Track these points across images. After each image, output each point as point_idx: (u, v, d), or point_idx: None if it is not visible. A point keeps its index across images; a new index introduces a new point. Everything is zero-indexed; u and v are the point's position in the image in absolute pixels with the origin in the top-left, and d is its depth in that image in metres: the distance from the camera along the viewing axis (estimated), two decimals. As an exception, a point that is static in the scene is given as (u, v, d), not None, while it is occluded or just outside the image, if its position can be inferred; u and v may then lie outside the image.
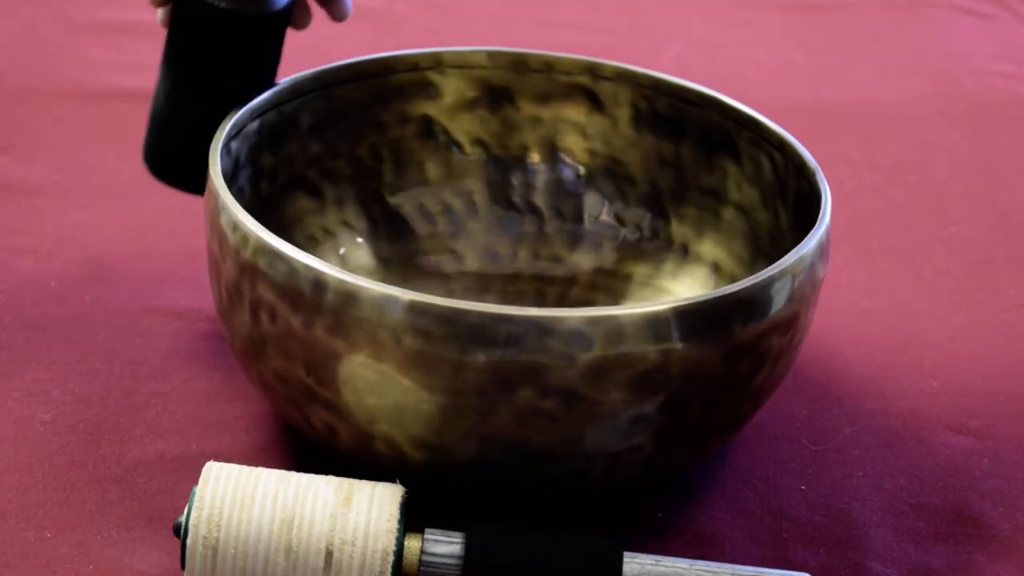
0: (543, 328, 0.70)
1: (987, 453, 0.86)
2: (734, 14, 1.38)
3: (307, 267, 0.72)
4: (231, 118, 0.83)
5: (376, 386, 0.72)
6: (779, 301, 0.74)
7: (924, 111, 1.23)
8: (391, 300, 0.71)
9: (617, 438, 0.73)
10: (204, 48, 0.84)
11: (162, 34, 1.26)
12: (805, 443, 0.86)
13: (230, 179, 0.84)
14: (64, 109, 1.14)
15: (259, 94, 0.86)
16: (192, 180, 0.88)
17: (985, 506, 0.82)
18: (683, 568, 0.73)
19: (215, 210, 0.77)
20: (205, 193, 0.80)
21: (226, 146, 0.82)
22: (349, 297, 0.71)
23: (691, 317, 0.72)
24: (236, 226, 0.75)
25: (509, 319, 0.70)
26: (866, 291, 1.00)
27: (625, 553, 0.73)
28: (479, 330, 0.70)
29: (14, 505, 0.78)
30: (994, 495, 0.83)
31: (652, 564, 0.72)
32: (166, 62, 0.86)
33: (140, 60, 1.21)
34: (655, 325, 0.71)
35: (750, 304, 0.73)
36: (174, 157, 0.87)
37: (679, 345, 0.72)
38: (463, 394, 0.72)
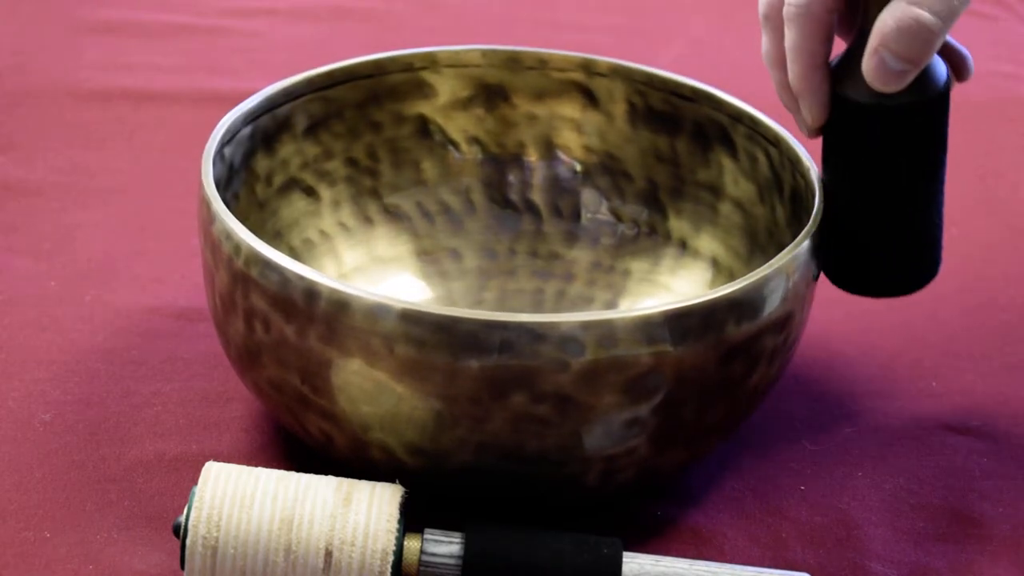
0: (536, 334, 0.70)
1: (987, 453, 0.86)
2: (734, 14, 1.37)
3: (299, 276, 0.72)
4: (223, 124, 0.83)
5: (370, 394, 0.72)
6: (773, 301, 0.74)
7: (924, 111, 1.22)
8: (384, 308, 0.71)
9: (612, 442, 0.73)
10: (884, 147, 0.78)
11: (161, 34, 1.26)
12: (805, 443, 0.86)
13: (225, 185, 0.84)
14: (64, 109, 1.14)
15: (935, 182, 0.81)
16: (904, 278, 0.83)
17: (985, 506, 0.82)
18: (683, 568, 0.72)
19: (208, 219, 0.77)
20: (197, 202, 0.79)
21: (219, 153, 0.82)
22: (341, 306, 0.71)
23: (684, 319, 0.72)
24: (228, 235, 0.75)
25: (502, 325, 0.70)
26: (866, 291, 1.00)
27: (625, 553, 0.73)
28: (472, 337, 0.70)
29: (14, 505, 0.78)
30: (994, 495, 0.83)
31: (652, 564, 0.72)
32: (847, 173, 0.80)
33: (140, 60, 1.21)
34: (648, 328, 0.71)
35: (743, 305, 0.73)
36: (887, 265, 0.82)
37: (672, 348, 0.72)
38: (457, 401, 0.72)
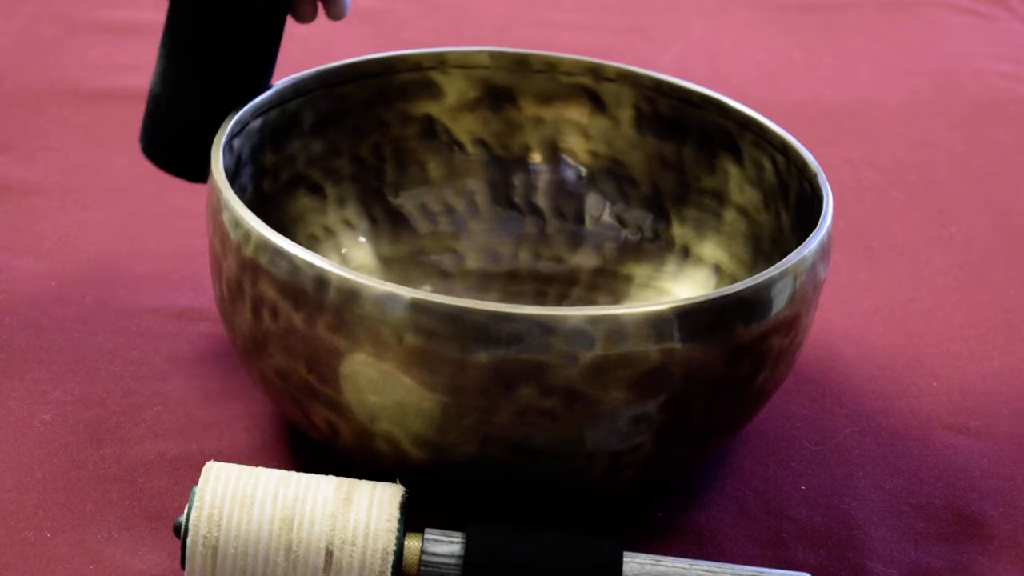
0: (545, 327, 0.70)
1: (987, 453, 0.86)
2: (734, 14, 1.38)
3: (309, 264, 0.72)
4: (233, 116, 0.83)
5: (378, 384, 0.72)
6: (780, 302, 0.74)
7: (924, 111, 1.23)
8: (393, 298, 0.71)
9: (618, 438, 0.73)
10: (203, 28, 0.83)
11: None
12: (805, 443, 0.86)
13: (232, 177, 0.84)
14: (64, 109, 1.14)
15: (257, 78, 0.85)
16: (189, 166, 0.87)
17: (985, 506, 0.82)
18: (683, 568, 0.73)
19: (217, 207, 0.77)
20: (208, 189, 0.80)
21: (228, 144, 0.82)
22: (351, 295, 0.71)
23: (693, 317, 0.72)
24: (238, 223, 0.75)
25: (511, 318, 0.70)
26: (866, 291, 1.00)
27: (625, 553, 0.73)
28: (481, 329, 0.70)
29: (14, 505, 0.78)
30: (994, 495, 0.83)
31: (652, 564, 0.72)
32: (164, 42, 0.85)
33: (140, 60, 1.21)
34: (657, 325, 0.71)
35: (751, 304, 0.73)
36: (171, 142, 0.86)
37: (680, 345, 0.72)
38: (465, 393, 0.72)
